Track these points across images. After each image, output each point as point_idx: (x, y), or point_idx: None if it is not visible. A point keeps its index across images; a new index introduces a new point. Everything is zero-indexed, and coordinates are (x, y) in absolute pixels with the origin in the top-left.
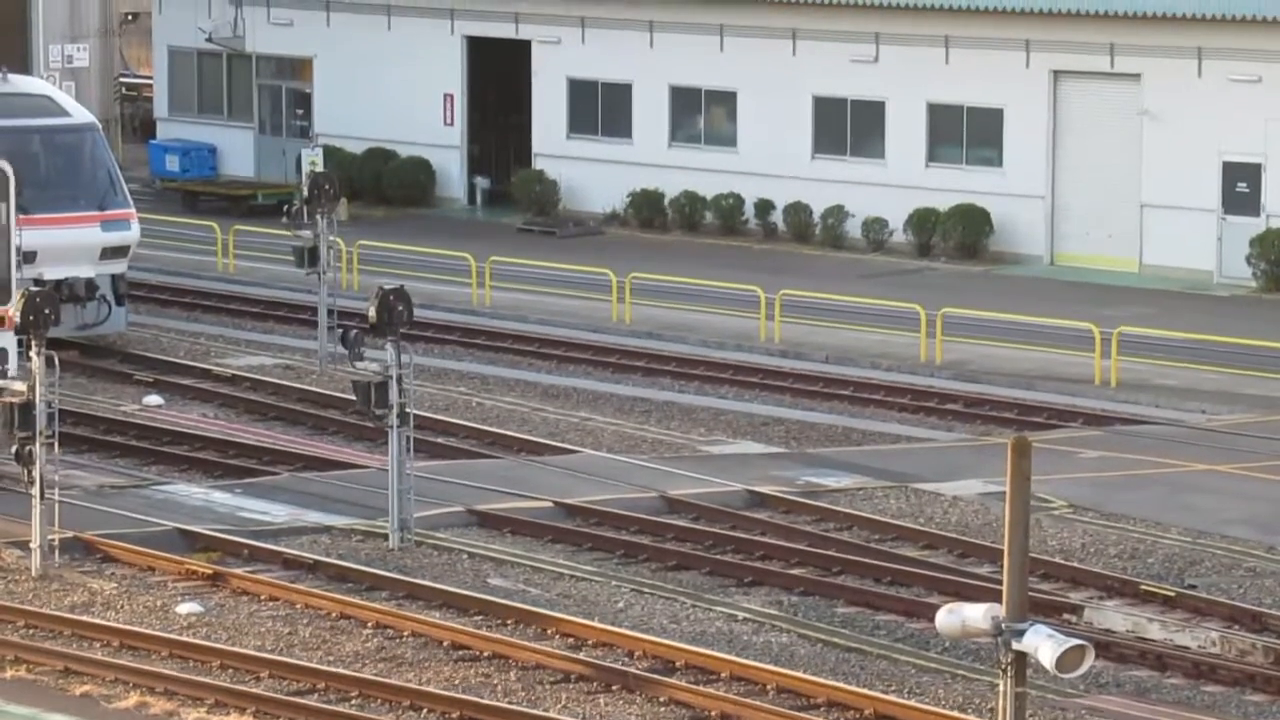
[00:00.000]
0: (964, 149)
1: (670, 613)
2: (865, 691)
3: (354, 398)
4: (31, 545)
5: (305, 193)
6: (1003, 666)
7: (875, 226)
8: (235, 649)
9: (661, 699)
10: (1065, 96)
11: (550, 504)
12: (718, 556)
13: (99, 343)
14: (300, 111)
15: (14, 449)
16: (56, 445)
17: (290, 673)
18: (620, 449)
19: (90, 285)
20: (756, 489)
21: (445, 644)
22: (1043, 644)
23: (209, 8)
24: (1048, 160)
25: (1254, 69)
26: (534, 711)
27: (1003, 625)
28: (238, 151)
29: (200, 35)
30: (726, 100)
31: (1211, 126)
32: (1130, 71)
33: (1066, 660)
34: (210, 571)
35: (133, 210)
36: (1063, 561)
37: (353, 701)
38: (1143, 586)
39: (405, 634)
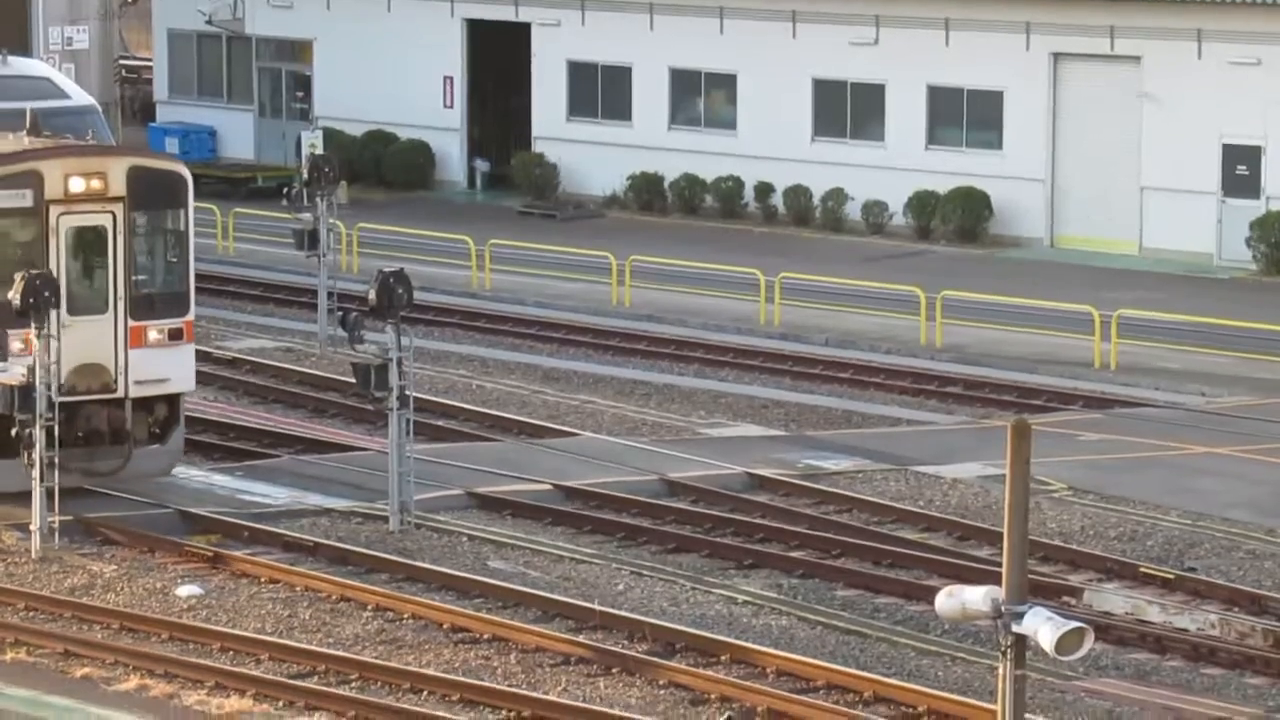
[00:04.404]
0: (964, 131)
1: (670, 595)
2: (865, 674)
3: (354, 380)
4: (31, 528)
5: (305, 175)
6: (1002, 649)
7: (875, 209)
8: (235, 631)
9: (661, 681)
10: (1065, 79)
11: (550, 486)
12: (717, 539)
13: None
14: (300, 94)
15: (13, 431)
16: (57, 429)
17: (290, 655)
18: (620, 432)
19: None
20: (756, 472)
21: (445, 626)
22: (1042, 626)
23: None
24: (1048, 143)
25: (1254, 51)
26: (534, 694)
27: (1002, 608)
28: (238, 134)
29: (200, 18)
30: (726, 83)
31: (1211, 109)
32: (1130, 54)
33: (1066, 643)
34: (210, 554)
35: None
36: (1062, 544)
37: (353, 684)
38: (1142, 569)
39: (405, 616)
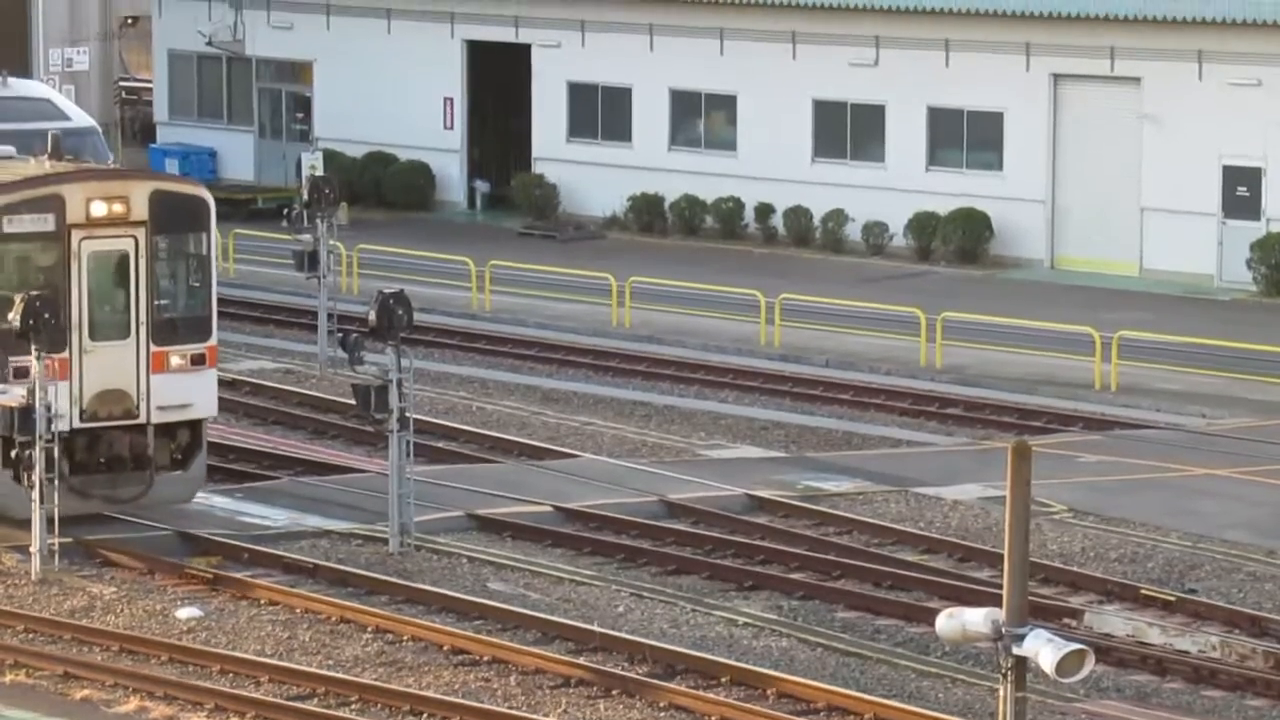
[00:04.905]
0: (964, 153)
1: (670, 617)
2: (865, 696)
3: (354, 402)
4: (31, 549)
5: (305, 196)
6: (1003, 671)
7: (875, 230)
8: (235, 653)
9: (661, 703)
10: (1065, 100)
11: (550, 508)
12: (717, 561)
13: None
14: (300, 115)
15: (13, 453)
16: (58, 450)
17: (290, 677)
18: (620, 453)
19: None
20: (756, 493)
21: (445, 648)
22: (1043, 648)
23: (209, 11)
24: (1048, 164)
25: (1254, 73)
26: (533, 716)
27: (1003, 629)
28: (238, 155)
29: (200, 39)
30: (726, 104)
31: (1212, 130)
32: (1130, 75)
33: (1067, 664)
34: (210, 576)
35: None
36: (1063, 566)
37: (352, 706)
38: (1143, 591)
39: (405, 638)
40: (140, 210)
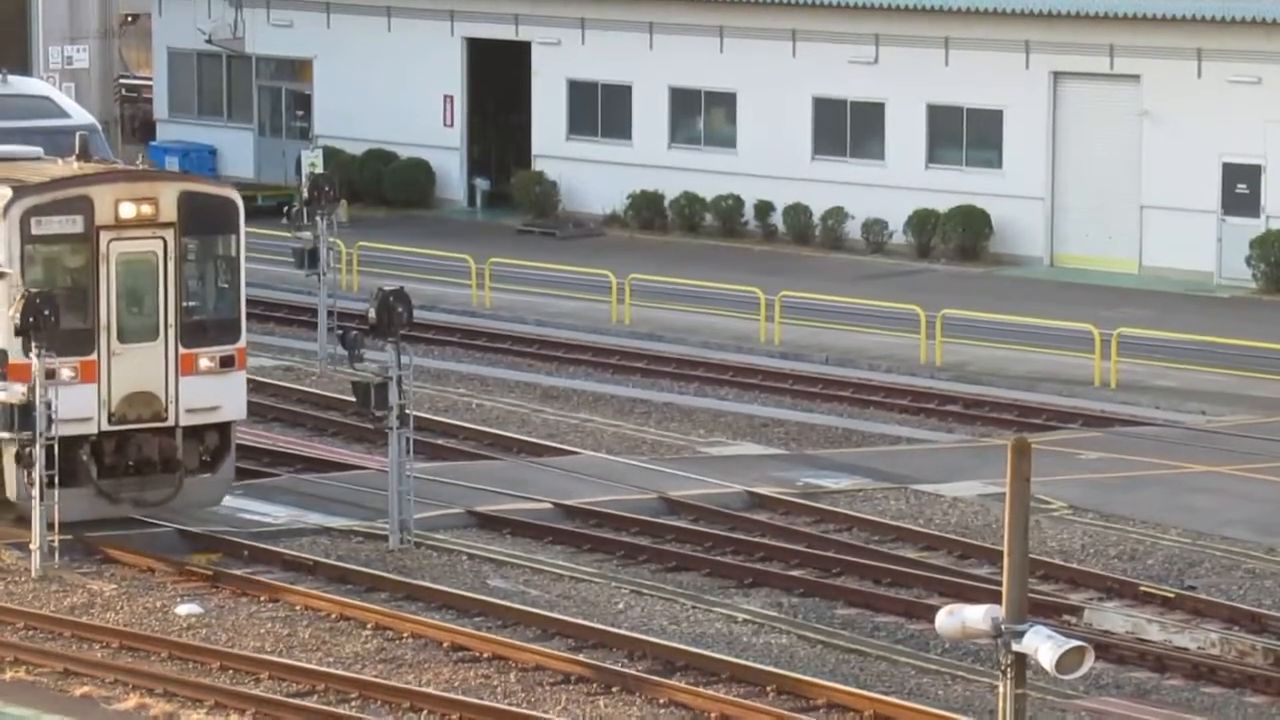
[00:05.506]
0: (964, 150)
1: (670, 614)
2: (865, 693)
3: (354, 399)
4: (31, 546)
5: (305, 194)
6: (1002, 668)
7: (875, 228)
8: (235, 650)
9: (661, 700)
10: (1065, 97)
11: (550, 505)
12: (717, 558)
13: None
14: (300, 113)
15: (15, 451)
16: (57, 447)
17: (290, 674)
18: (620, 450)
19: None
20: (756, 490)
21: (445, 645)
22: (1042, 645)
23: (209, 9)
24: (1047, 161)
25: (1253, 70)
26: (533, 713)
27: (1002, 626)
28: (238, 153)
29: (200, 36)
30: (726, 101)
31: (1211, 127)
32: (1130, 72)
33: (1066, 661)
34: (210, 573)
35: None
36: (1062, 563)
37: (352, 703)
38: (1142, 588)
39: (405, 635)
40: (169, 211)
